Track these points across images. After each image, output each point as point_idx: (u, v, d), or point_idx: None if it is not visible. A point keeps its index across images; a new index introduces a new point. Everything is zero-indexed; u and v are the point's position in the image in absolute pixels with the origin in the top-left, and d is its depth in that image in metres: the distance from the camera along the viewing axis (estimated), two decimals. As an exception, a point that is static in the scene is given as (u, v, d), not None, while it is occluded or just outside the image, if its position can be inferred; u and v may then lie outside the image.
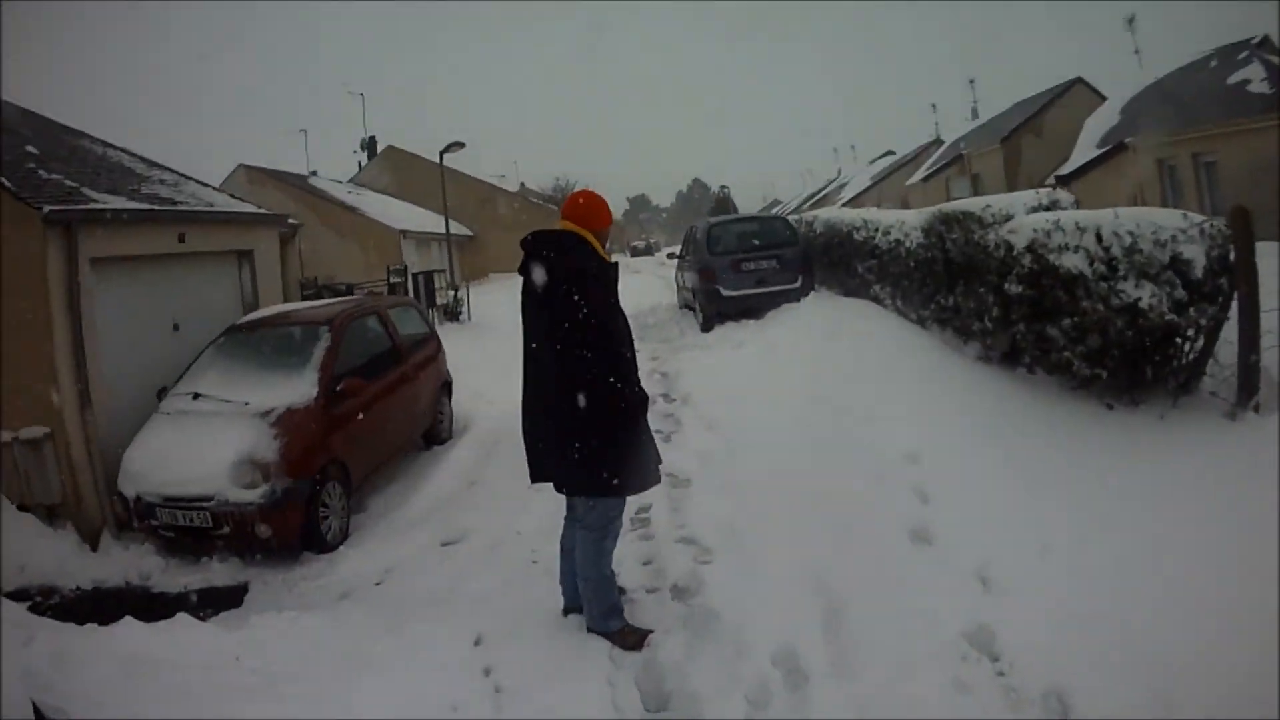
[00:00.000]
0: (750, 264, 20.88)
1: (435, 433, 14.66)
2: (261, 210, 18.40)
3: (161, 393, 12.06)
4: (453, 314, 27.46)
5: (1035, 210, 12.73)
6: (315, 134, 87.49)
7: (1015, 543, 7.53)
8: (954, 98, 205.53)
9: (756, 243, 21.55)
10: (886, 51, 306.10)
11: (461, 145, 31.19)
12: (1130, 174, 28.06)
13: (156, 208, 14.48)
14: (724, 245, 21.67)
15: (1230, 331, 8.99)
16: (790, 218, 25.62)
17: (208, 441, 10.77)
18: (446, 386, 15.45)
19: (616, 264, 6.86)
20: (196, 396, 11.51)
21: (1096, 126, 33.21)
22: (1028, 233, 10.40)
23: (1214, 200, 24.57)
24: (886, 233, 17.23)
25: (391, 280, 29.69)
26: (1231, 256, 8.85)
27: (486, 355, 19.21)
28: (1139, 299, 8.96)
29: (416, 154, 51.64)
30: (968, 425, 10.21)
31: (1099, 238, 9.38)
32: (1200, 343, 9.38)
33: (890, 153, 79.50)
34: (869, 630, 6.69)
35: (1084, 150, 32.01)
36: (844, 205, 40.24)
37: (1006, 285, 10.88)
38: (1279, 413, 7.99)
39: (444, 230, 36.67)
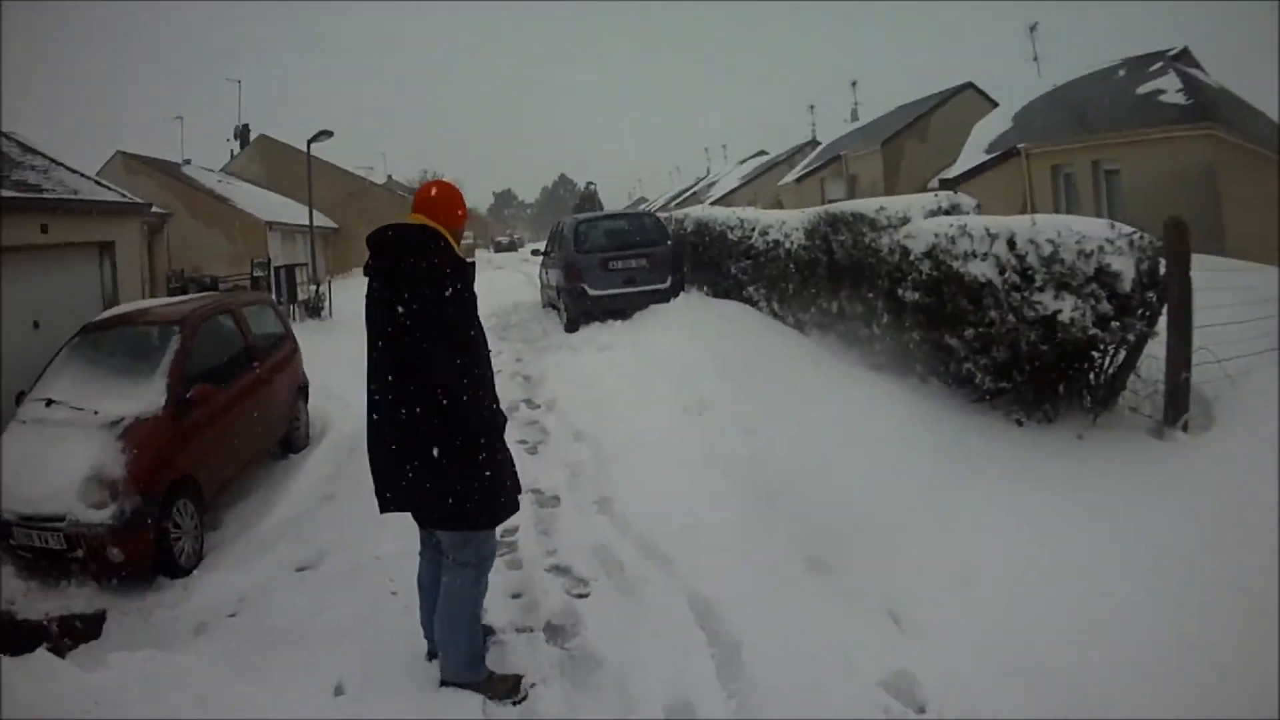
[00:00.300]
0: (618, 263, 19.81)
1: (292, 439, 13.52)
2: (126, 198, 17.27)
3: (20, 397, 10.98)
4: (314, 310, 26.27)
5: (934, 214, 11.76)
6: (192, 121, 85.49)
7: (926, 573, 6.87)
8: (833, 101, 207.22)
9: (625, 241, 20.59)
10: (764, 50, 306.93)
11: (329, 134, 29.72)
12: (1019, 180, 27.53)
13: (13, 195, 13.49)
14: (591, 243, 20.60)
15: (1154, 348, 8.53)
16: (660, 215, 24.68)
17: (59, 455, 9.67)
18: (303, 390, 14.35)
19: (473, 264, 5.76)
20: (50, 403, 10.37)
21: (986, 132, 32.50)
22: (928, 237, 9.79)
23: (1112, 209, 23.71)
24: (764, 233, 16.48)
25: (255, 274, 28.83)
26: (1162, 270, 8.33)
27: (345, 354, 17.78)
28: (1058, 311, 8.35)
29: (288, 144, 49.45)
30: (861, 438, 9.42)
31: (1011, 245, 8.76)
32: (1120, 358, 8.85)
33: (763, 153, 78.87)
34: (772, 676, 5.92)
35: (972, 154, 31.17)
36: (713, 204, 39.16)
37: (900, 291, 10.27)
38: (1212, 431, 7.65)
39: (304, 221, 35.33)
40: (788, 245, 15.04)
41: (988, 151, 29.97)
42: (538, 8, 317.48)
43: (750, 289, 17.20)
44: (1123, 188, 24.19)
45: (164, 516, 9.57)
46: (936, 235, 9.60)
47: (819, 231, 13.60)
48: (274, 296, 23.33)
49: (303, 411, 13.96)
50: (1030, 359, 8.79)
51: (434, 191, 5.90)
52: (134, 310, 12.67)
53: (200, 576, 9.49)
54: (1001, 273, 8.74)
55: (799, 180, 48.95)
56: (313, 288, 27.20)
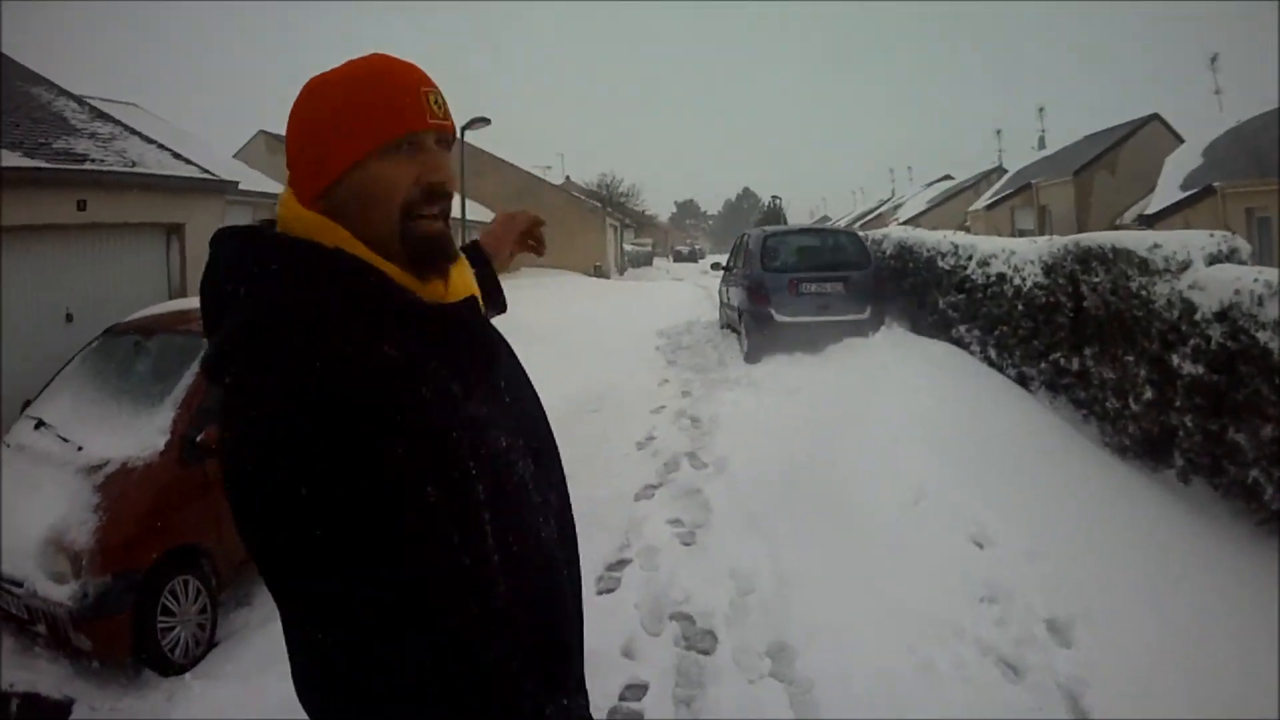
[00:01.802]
0: (811, 286, 17.44)
1: None
2: (196, 172, 15.25)
3: (25, 406, 8.90)
4: None
5: (1217, 259, 9.09)
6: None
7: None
8: (1016, 127, 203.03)
9: (820, 261, 18.11)
10: (949, 73, 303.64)
11: (486, 121, 27.93)
12: (1214, 221, 24.70)
13: (42, 165, 11.52)
14: (781, 260, 18.17)
15: None
16: (860, 234, 21.62)
17: (27, 500, 7.46)
18: None
19: (483, 326, 2.20)
20: (39, 425, 8.24)
21: (1177, 168, 30.40)
22: (1224, 293, 7.85)
23: None
24: (985, 263, 14.09)
25: None
26: None
27: None
28: None
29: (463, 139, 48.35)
30: (1115, 561, 7.39)
31: None
32: None
33: (948, 177, 77.48)
34: None
35: (1167, 191, 29.13)
36: (899, 226, 37.53)
37: (1174, 360, 8.46)
38: None
39: (474, 217, 33.99)
40: (1017, 281, 12.69)
41: (1182, 188, 28.11)
42: (732, 21, 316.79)
43: (961, 328, 14.87)
44: None
45: (151, 599, 7.23)
46: (1237, 292, 7.61)
47: (1063, 268, 11.17)
48: None
49: None
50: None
51: (305, 102, 2.03)
52: (168, 312, 9.88)
53: (194, 681, 7.10)
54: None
55: (988, 208, 47.53)
56: None
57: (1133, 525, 7.93)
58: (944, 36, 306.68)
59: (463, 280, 2.15)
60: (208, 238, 1.95)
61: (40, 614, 7.02)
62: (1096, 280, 10.28)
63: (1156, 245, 9.29)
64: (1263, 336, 7.17)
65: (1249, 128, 29.25)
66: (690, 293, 37.35)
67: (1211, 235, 9.20)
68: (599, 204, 60.81)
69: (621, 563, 8.06)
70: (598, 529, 8.51)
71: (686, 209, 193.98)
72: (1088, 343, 10.56)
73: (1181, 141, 35.57)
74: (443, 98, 2.17)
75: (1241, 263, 8.94)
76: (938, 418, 10.95)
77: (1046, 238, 12.84)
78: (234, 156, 33.33)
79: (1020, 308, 12.49)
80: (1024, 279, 12.45)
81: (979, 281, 14.21)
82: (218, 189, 15.52)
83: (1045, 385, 11.83)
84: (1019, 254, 12.91)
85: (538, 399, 2.50)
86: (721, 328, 22.65)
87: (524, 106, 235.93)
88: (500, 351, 2.20)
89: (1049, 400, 11.63)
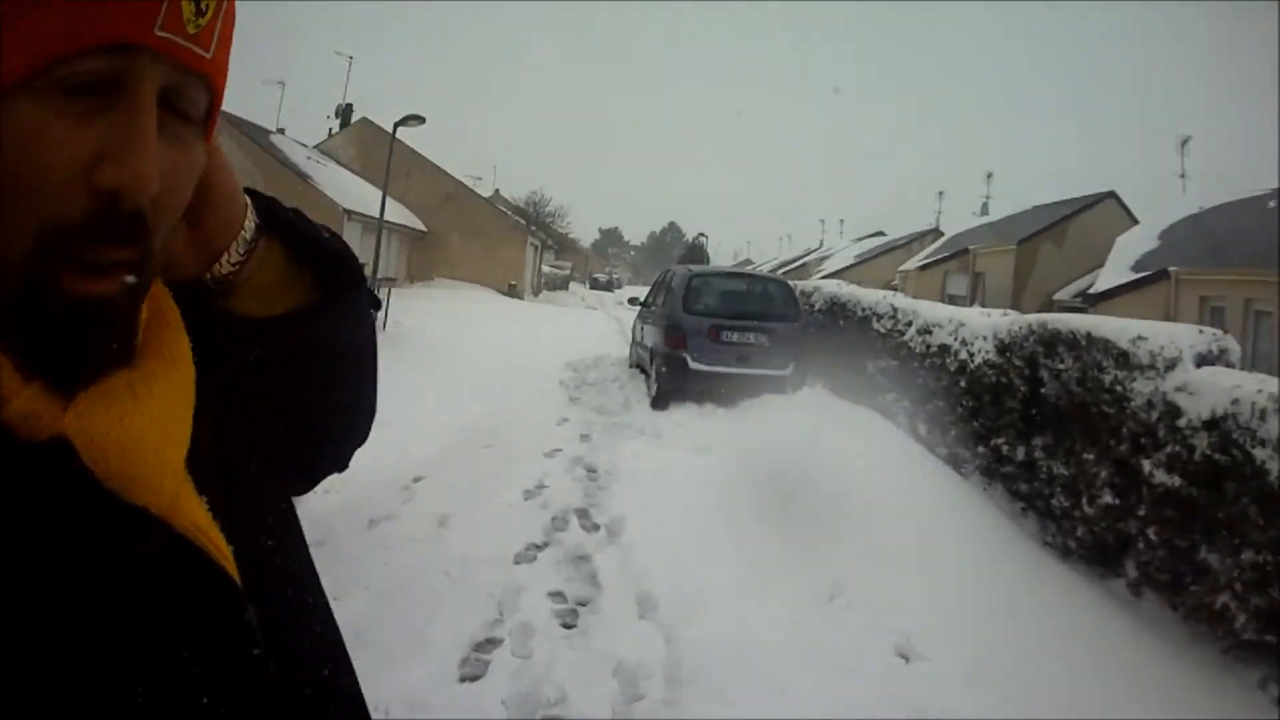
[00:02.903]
0: (733, 334, 16.32)
1: None
2: None
3: None
4: None
5: (1206, 359, 8.06)
6: (294, 90, 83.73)
7: None
8: (960, 191, 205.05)
9: (746, 309, 16.96)
10: (893, 130, 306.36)
11: (421, 120, 26.64)
12: (1162, 307, 25.21)
13: None
14: (704, 304, 17.02)
15: None
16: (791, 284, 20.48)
17: None
18: None
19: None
20: None
21: (1131, 248, 30.48)
22: (1218, 400, 7.04)
23: (1256, 352, 21.85)
24: (926, 331, 13.08)
25: None
26: None
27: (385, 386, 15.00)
28: None
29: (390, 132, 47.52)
30: (1059, 685, 6.58)
31: None
32: None
33: (880, 233, 77.57)
34: None
35: (1117, 271, 29.12)
36: (824, 278, 37.00)
37: (1145, 465, 7.66)
38: None
39: (391, 218, 33.06)
40: (963, 355, 11.68)
41: (1133, 269, 28.16)
42: (677, 57, 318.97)
43: (889, 397, 13.89)
44: (1273, 331, 22.39)
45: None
46: (1236, 401, 6.75)
47: (1022, 348, 10.17)
48: None
49: None
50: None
51: None
52: None
53: None
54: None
55: (921, 268, 47.11)
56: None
57: (1084, 643, 7.13)
58: (892, 89, 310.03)
59: (118, 410, 0.88)
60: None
61: None
62: (1061, 367, 9.35)
63: (1141, 338, 8.30)
64: (1260, 454, 6.34)
65: (1211, 215, 29.26)
66: (604, 324, 36.52)
67: (1201, 332, 8.29)
68: (523, 221, 60.52)
69: (491, 642, 6.85)
70: (471, 594, 7.50)
71: (610, 237, 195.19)
72: (1039, 432, 9.63)
73: (1136, 222, 36.03)
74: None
75: (1231, 365, 8.06)
76: (861, 497, 9.87)
77: (1001, 311, 12.04)
78: None
79: (963, 384, 11.52)
80: (972, 354, 11.46)
81: (917, 350, 13.25)
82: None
83: (981, 471, 10.87)
84: (969, 327, 11.89)
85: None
86: (631, 366, 21.33)
87: (463, 114, 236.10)
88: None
89: (985, 488, 10.66)
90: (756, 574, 8.14)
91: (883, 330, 14.72)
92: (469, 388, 16.14)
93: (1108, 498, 8.19)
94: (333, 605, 4.21)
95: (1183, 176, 40.52)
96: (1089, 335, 9.02)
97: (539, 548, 8.89)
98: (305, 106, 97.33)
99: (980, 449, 10.86)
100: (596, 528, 9.62)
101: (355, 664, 3.54)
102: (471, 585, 7.66)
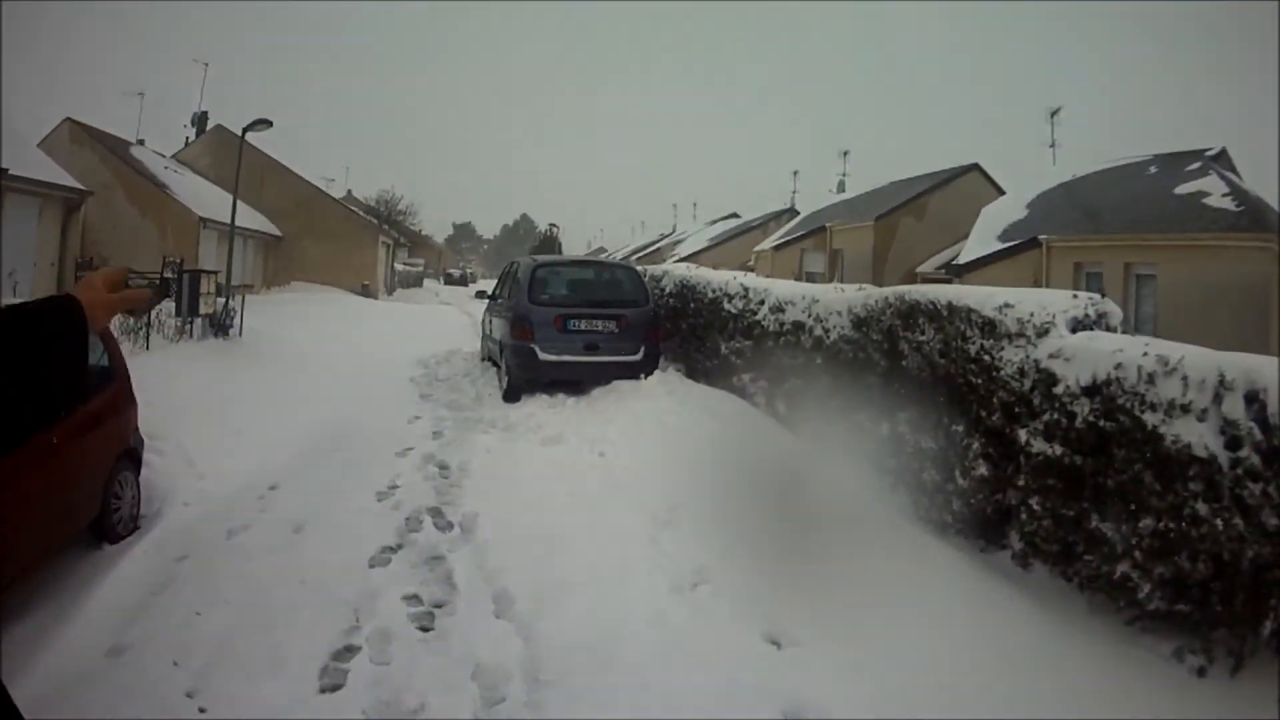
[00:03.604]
0: (581, 323, 15.77)
1: (105, 525, 9.01)
2: None
3: None
4: (220, 327, 21.46)
5: (1082, 323, 7.80)
6: (154, 99, 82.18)
7: None
8: (817, 170, 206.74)
9: (593, 296, 16.57)
10: (745, 109, 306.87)
11: (268, 124, 26.17)
12: (1032, 274, 25.48)
13: None
14: (550, 294, 16.53)
15: None
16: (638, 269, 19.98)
17: None
18: (131, 456, 9.84)
19: None
20: None
21: (997, 218, 30.58)
22: (1098, 365, 6.89)
23: (1141, 317, 22.52)
24: (779, 309, 12.82)
25: (165, 274, 25.16)
26: None
27: (235, 392, 14.75)
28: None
29: (247, 141, 46.58)
30: (946, 670, 6.26)
31: (1259, 404, 5.75)
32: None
33: (735, 215, 77.74)
34: None
35: (983, 241, 29.14)
36: (678, 262, 36.73)
37: (1022, 435, 7.49)
38: None
39: (246, 224, 32.50)
40: (818, 332, 11.35)
41: (1001, 239, 28.14)
42: (522, 44, 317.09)
43: (745, 377, 13.63)
44: (1157, 294, 22.86)
45: None
46: (1119, 366, 6.60)
47: (879, 322, 9.82)
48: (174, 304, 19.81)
49: (128, 486, 9.60)
50: (1246, 580, 5.69)
51: None
52: None
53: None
54: (1234, 447, 5.76)
55: (776, 248, 47.21)
56: (219, 300, 21.91)
57: (972, 622, 6.82)
58: (742, 68, 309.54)
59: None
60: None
61: None
62: (922, 339, 9.05)
63: (1008, 305, 8.03)
64: (1150, 419, 6.14)
65: (1084, 183, 29.56)
66: (455, 318, 36.31)
67: (1075, 297, 8.04)
68: (374, 220, 59.92)
69: (350, 650, 6.52)
70: (327, 602, 7.17)
71: (463, 231, 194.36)
72: (902, 407, 9.30)
73: (1002, 193, 36.19)
74: None
75: (1113, 329, 7.84)
76: (720, 482, 9.63)
77: (856, 286, 11.77)
78: (40, 144, 32.40)
79: (819, 361, 11.21)
80: (827, 330, 11.19)
81: (770, 329, 12.98)
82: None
83: (844, 449, 10.36)
84: (823, 303, 11.61)
85: None
86: (482, 360, 20.82)
87: (317, 116, 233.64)
88: None
89: (850, 465, 10.14)
90: (615, 564, 7.81)
91: (734, 310, 14.45)
92: (321, 391, 15.80)
93: (983, 469, 7.94)
94: (196, 621, 6.21)
95: (1053, 146, 40.20)
96: (950, 305, 8.69)
97: (393, 550, 8.52)
98: (165, 116, 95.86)
99: (842, 426, 10.42)
100: (450, 526, 9.23)
101: (218, 680, 5.19)
102: (328, 593, 7.35)
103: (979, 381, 8.03)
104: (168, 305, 19.85)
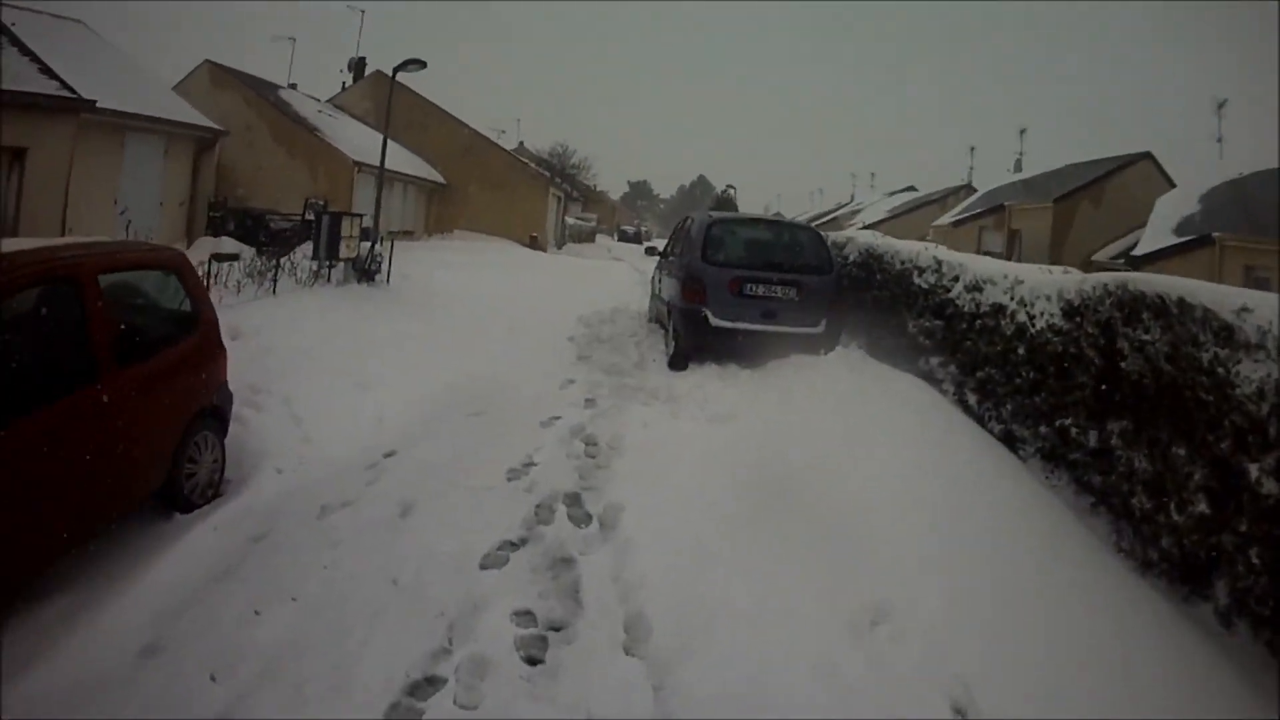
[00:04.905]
0: (759, 287, 14.34)
1: (176, 491, 8.10)
2: (54, 87, 13.28)
3: None
4: (366, 273, 20.56)
5: None
6: (306, 47, 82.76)
7: None
8: (991, 147, 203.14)
9: (772, 260, 14.93)
10: (926, 85, 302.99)
11: (422, 64, 24.55)
12: (1206, 273, 23.43)
13: None
14: (726, 253, 15.02)
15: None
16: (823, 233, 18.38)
17: None
18: (213, 414, 8.90)
19: None
20: None
21: (1171, 211, 29.21)
22: None
23: None
24: (976, 288, 11.58)
25: (306, 216, 25.85)
26: None
27: (362, 343, 13.53)
28: None
29: (408, 86, 46.39)
30: None
31: None
32: None
33: (912, 188, 76.32)
34: None
35: (1159, 233, 27.85)
36: (864, 229, 35.94)
37: (1251, 470, 6.29)
38: None
39: (408, 170, 32.00)
40: (1021, 317, 10.19)
41: (1176, 233, 26.94)
42: (706, 10, 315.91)
43: (933, 361, 12.52)
44: None
45: None
46: None
47: (1096, 313, 8.65)
48: (292, 250, 19.60)
49: (208, 448, 8.67)
50: None
51: None
52: None
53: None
54: None
55: (955, 224, 46.30)
56: (365, 245, 21.04)
57: (1174, 687, 5.78)
58: (925, 46, 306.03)
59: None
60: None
61: None
62: (1147, 338, 7.81)
63: (1246, 309, 6.78)
64: None
65: (1251, 182, 28.06)
66: (625, 275, 34.88)
67: None
68: (546, 172, 59.09)
69: (432, 682, 5.36)
70: (419, 612, 6.09)
71: (639, 189, 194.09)
72: (1116, 415, 8.11)
73: (1172, 184, 34.76)
74: None
75: None
76: (908, 487, 8.37)
77: (1063, 269, 10.69)
78: (176, 86, 32.47)
79: (1021, 351, 10.03)
80: (1032, 316, 9.95)
81: (965, 309, 11.78)
82: (65, 108, 13.10)
83: (1042, 454, 9.35)
84: (1029, 285, 10.33)
85: None
86: (650, 321, 19.55)
87: (488, 68, 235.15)
88: None
89: (1044, 473, 9.17)
90: (779, 589, 6.62)
91: (925, 285, 13.26)
92: (467, 346, 14.83)
93: (1202, 505, 6.81)
94: (253, 621, 5.48)
95: (1220, 140, 38.60)
96: (1181, 301, 7.46)
97: (514, 546, 7.29)
98: (320, 62, 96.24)
99: (1042, 429, 9.40)
100: (588, 519, 7.98)
101: (260, 704, 4.62)
102: (422, 599, 6.26)
103: (1209, 398, 6.83)
104: (305, 248, 19.43)
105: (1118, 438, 8.04)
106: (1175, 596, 7.02)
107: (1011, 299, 10.53)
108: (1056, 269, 10.67)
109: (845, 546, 7.23)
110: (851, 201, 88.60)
